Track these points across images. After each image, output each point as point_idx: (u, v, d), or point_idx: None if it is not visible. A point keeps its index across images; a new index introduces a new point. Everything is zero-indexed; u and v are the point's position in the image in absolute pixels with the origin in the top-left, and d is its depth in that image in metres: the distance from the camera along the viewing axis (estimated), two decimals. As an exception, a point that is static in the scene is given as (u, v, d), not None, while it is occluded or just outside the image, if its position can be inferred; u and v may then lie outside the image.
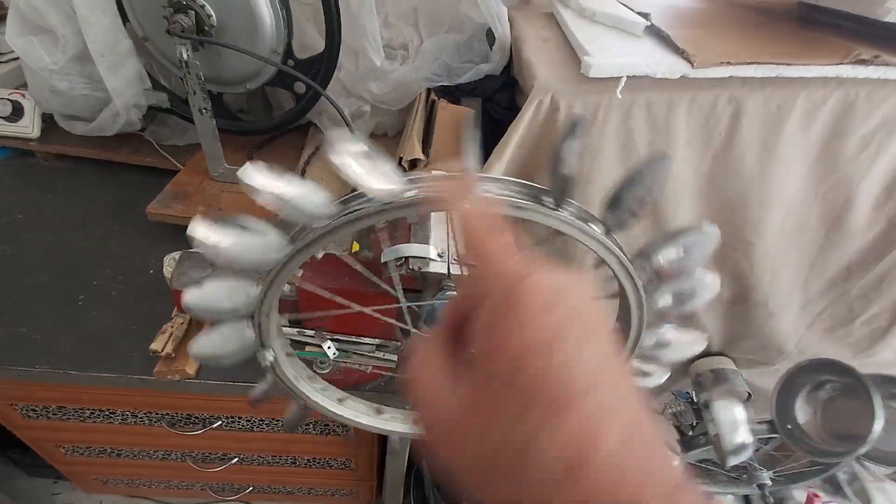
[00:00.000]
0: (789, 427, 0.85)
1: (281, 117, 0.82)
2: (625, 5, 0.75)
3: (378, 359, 0.61)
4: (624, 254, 0.33)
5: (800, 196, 0.73)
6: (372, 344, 0.61)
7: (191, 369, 0.59)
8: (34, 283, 0.68)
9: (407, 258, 0.48)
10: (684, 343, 0.39)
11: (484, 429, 0.16)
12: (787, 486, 1.01)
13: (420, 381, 0.19)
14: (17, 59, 0.90)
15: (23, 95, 0.81)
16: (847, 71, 0.56)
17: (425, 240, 0.50)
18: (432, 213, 0.54)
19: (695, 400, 1.03)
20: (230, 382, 0.61)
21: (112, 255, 0.73)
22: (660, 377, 0.45)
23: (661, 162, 0.30)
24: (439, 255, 0.49)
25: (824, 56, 0.56)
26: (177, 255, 0.69)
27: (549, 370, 0.15)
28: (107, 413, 0.85)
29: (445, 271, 0.47)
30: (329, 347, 0.59)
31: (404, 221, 0.53)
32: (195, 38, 0.64)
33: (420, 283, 0.50)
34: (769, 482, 0.95)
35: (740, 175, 0.69)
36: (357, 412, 0.45)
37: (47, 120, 0.84)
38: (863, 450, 0.74)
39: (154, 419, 0.87)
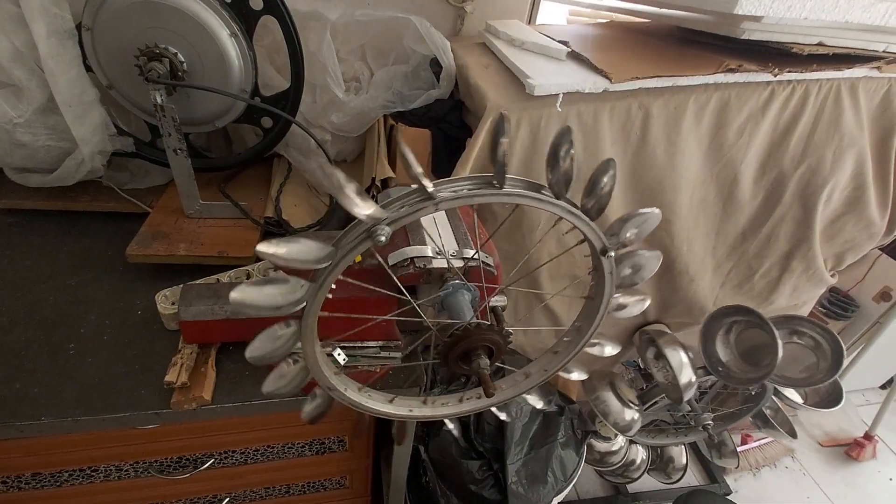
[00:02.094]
0: (719, 369, 1.02)
1: (249, 151, 0.86)
2: (545, 35, 0.90)
3: (384, 358, 0.67)
4: (599, 232, 0.44)
5: (700, 178, 0.90)
6: (376, 346, 0.68)
7: (207, 395, 0.61)
8: (18, 339, 0.65)
9: (412, 258, 0.56)
10: (633, 303, 0.51)
11: None
12: (726, 427, 1.19)
13: None
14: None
15: (-36, 152, 0.78)
16: (721, 78, 0.73)
17: (422, 241, 0.58)
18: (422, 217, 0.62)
19: (641, 367, 1.19)
20: (246, 403, 0.64)
21: (92, 301, 0.73)
22: (613, 349, 0.57)
23: (610, 163, 0.41)
24: (438, 253, 0.57)
25: (704, 67, 0.73)
26: (168, 291, 0.70)
27: None
28: (87, 472, 0.82)
29: (446, 266, 0.55)
30: (339, 354, 0.64)
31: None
32: (172, 83, 0.68)
33: (425, 278, 0.57)
34: (711, 423, 1.12)
35: (654, 166, 0.85)
36: (409, 407, 0.52)
37: (-7, 176, 0.82)
38: (773, 372, 0.91)
39: (141, 469, 0.85)
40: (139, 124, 0.82)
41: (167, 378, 0.60)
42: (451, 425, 0.86)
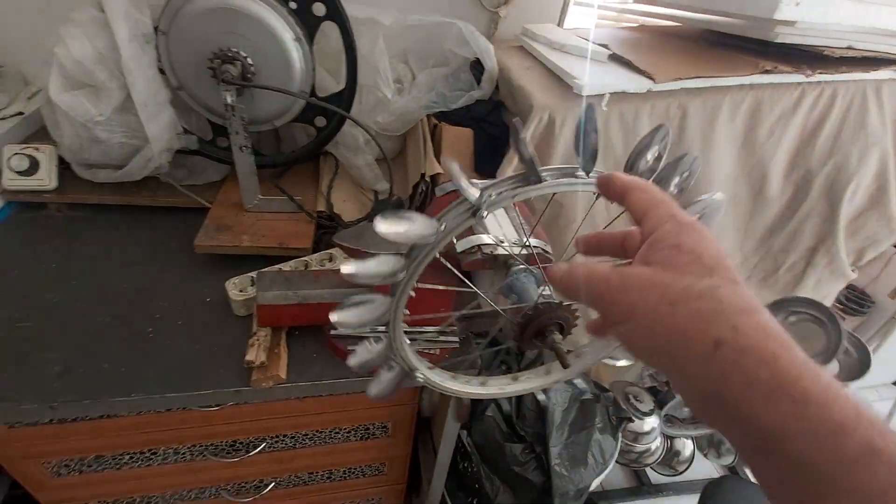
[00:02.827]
0: None
1: (303, 149, 0.91)
2: (583, 38, 0.94)
3: (442, 342, 0.72)
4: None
5: (732, 175, 0.94)
6: (434, 331, 0.72)
7: (283, 373, 0.65)
8: (98, 323, 0.70)
9: (479, 246, 0.60)
10: None
11: (673, 280, 0.24)
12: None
13: (598, 269, 0.26)
14: (16, 115, 0.91)
15: (36, 149, 0.83)
16: (757, 79, 0.78)
17: (486, 230, 0.62)
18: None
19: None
20: (317, 382, 0.68)
21: (162, 290, 0.77)
22: None
23: (662, 130, 0.43)
24: (499, 241, 0.61)
25: (741, 69, 0.77)
26: (237, 279, 0.75)
27: (723, 258, 0.24)
28: (147, 455, 0.86)
29: (508, 252, 0.60)
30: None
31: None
32: (243, 84, 0.72)
33: (489, 265, 0.62)
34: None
35: (689, 162, 0.89)
36: (499, 385, 0.56)
37: (60, 172, 0.86)
38: (833, 360, 0.94)
39: (197, 452, 0.89)
40: (201, 123, 0.86)
41: (247, 357, 0.64)
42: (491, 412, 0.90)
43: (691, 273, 0.23)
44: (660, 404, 1.15)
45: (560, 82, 0.82)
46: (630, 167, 0.44)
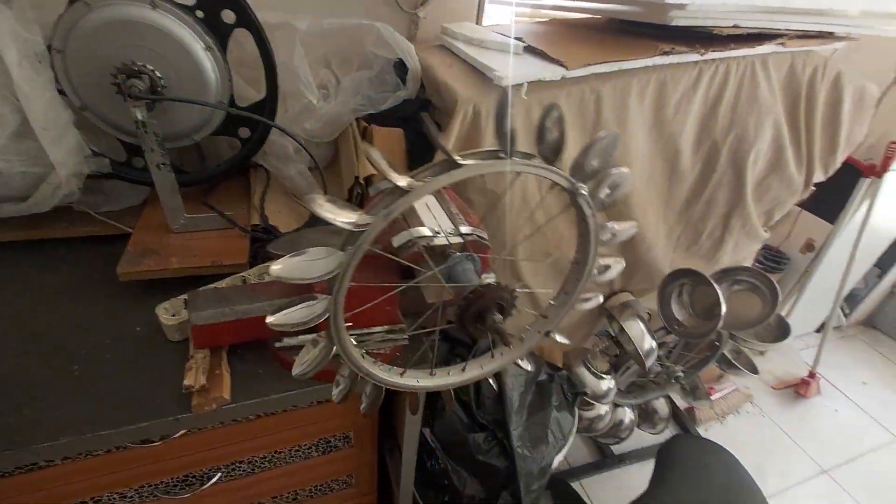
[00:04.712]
0: (676, 326, 1.13)
1: (228, 162, 0.88)
2: (499, 33, 0.97)
3: (391, 340, 0.72)
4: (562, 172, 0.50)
5: (647, 153, 1.01)
6: (382, 330, 0.72)
7: (226, 394, 0.63)
8: (18, 369, 0.64)
9: (416, 239, 0.60)
10: (624, 230, 0.58)
11: None
12: (696, 373, 1.30)
13: None
14: None
15: (-77, 189, 0.75)
16: (659, 60, 0.84)
17: (420, 223, 0.63)
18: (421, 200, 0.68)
19: (612, 333, 1.28)
20: (265, 398, 0.66)
21: (88, 325, 0.72)
22: (596, 300, 0.64)
23: (553, 108, 0.47)
24: (435, 233, 0.62)
25: (643, 52, 0.83)
26: (167, 304, 0.71)
27: None
28: (90, 504, 0.80)
29: (447, 242, 0.61)
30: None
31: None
32: (153, 97, 0.69)
33: (427, 257, 0.62)
34: (682, 374, 1.23)
35: (609, 144, 0.95)
36: (416, 378, 0.56)
37: (-46, 210, 0.78)
38: (720, 323, 1.03)
39: (146, 493, 0.83)
40: (112, 144, 0.81)
41: (186, 382, 0.61)
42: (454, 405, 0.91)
43: None
44: (614, 368, 1.20)
45: (481, 76, 0.85)
46: (576, 169, 0.48)
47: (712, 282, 1.04)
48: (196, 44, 0.73)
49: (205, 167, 0.95)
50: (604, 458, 1.51)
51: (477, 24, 1.24)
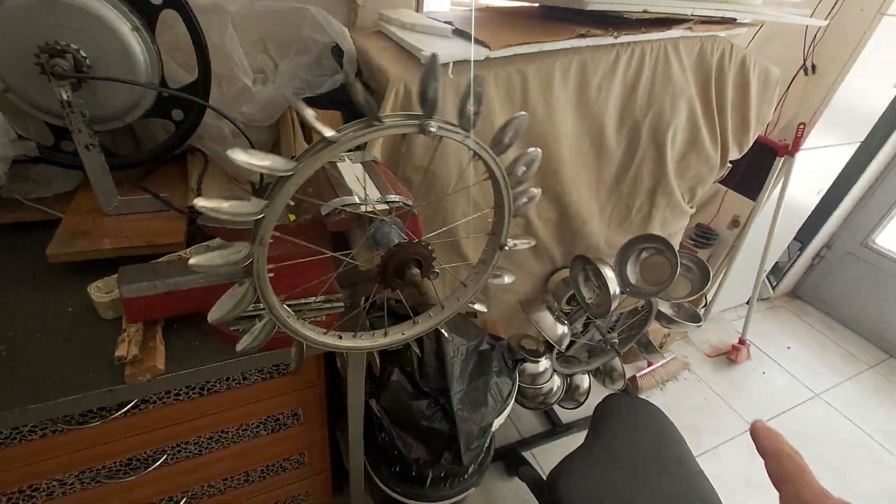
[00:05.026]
0: (628, 288, 1.21)
1: (162, 145, 0.88)
2: (432, 18, 1.01)
3: (328, 308, 0.75)
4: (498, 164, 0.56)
5: (575, 132, 1.08)
6: (320, 300, 0.75)
7: (161, 364, 0.64)
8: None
9: (343, 207, 0.64)
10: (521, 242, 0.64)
11: None
12: (630, 344, 1.39)
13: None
14: None
15: None
16: (576, 42, 0.90)
17: (348, 192, 0.66)
18: (341, 167, 0.71)
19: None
20: (201, 367, 0.67)
21: (16, 308, 0.71)
22: (510, 277, 0.70)
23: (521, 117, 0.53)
24: (363, 200, 0.66)
25: (562, 34, 0.89)
26: (100, 282, 0.71)
27: None
28: (28, 493, 0.79)
29: (372, 209, 0.64)
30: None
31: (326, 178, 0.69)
32: (78, 75, 0.69)
33: (356, 224, 0.66)
34: (617, 341, 1.32)
35: (537, 123, 1.01)
36: (370, 339, 0.60)
37: None
38: (671, 284, 1.11)
39: (88, 479, 0.83)
40: (39, 128, 0.80)
41: (117, 353, 0.62)
42: (396, 376, 0.95)
43: None
44: (549, 348, 1.28)
45: (412, 57, 0.88)
46: (496, 143, 0.53)
47: (673, 247, 1.12)
48: (122, 24, 0.73)
49: (139, 150, 0.94)
50: (553, 428, 1.59)
51: (417, 11, 1.27)
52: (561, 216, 1.22)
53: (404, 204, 0.66)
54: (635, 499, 0.91)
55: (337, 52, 1.01)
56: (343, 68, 0.99)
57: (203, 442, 0.91)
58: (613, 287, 1.15)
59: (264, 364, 0.79)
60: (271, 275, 0.51)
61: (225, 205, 0.44)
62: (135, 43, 0.75)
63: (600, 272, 1.14)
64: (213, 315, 0.52)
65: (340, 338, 0.63)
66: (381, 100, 0.90)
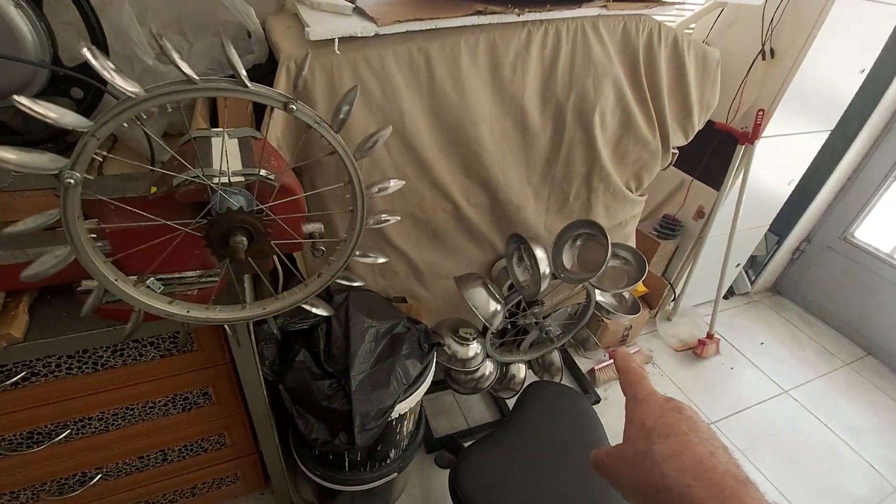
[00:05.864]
0: (562, 274, 1.18)
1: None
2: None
3: (203, 283, 0.75)
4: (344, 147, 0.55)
5: (494, 113, 1.06)
6: (195, 275, 0.75)
7: (17, 332, 0.65)
8: None
9: (193, 178, 0.64)
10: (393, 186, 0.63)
11: (627, 450, 0.33)
12: (570, 334, 1.37)
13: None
14: None
15: None
16: (475, 20, 0.88)
17: (210, 164, 0.66)
18: (213, 142, 0.71)
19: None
20: (61, 337, 0.68)
21: None
22: (384, 259, 0.70)
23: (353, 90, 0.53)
24: (221, 173, 0.65)
25: (458, 11, 0.87)
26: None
27: (662, 417, 0.33)
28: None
29: (227, 180, 0.64)
30: (153, 283, 0.71)
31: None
32: (-49, 52, 0.70)
33: (203, 194, 0.66)
34: (559, 331, 1.30)
35: (449, 105, 0.99)
36: (186, 308, 0.59)
37: None
38: (604, 268, 1.09)
39: (-13, 451, 0.85)
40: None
41: (-29, 321, 0.63)
42: (302, 356, 0.95)
43: (638, 439, 0.33)
44: (482, 333, 1.26)
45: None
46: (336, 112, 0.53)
47: (606, 232, 1.10)
48: (5, 1, 0.74)
49: (40, 129, 0.96)
50: (502, 418, 1.57)
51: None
52: (493, 201, 1.20)
53: (264, 178, 0.66)
54: (535, 482, 0.89)
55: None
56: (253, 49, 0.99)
57: (108, 418, 0.93)
58: (544, 267, 1.13)
59: (139, 337, 0.80)
60: (97, 238, 0.52)
61: (12, 155, 0.45)
62: (19, 20, 0.76)
63: (533, 252, 1.13)
64: (28, 272, 0.52)
65: (188, 311, 0.63)
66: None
